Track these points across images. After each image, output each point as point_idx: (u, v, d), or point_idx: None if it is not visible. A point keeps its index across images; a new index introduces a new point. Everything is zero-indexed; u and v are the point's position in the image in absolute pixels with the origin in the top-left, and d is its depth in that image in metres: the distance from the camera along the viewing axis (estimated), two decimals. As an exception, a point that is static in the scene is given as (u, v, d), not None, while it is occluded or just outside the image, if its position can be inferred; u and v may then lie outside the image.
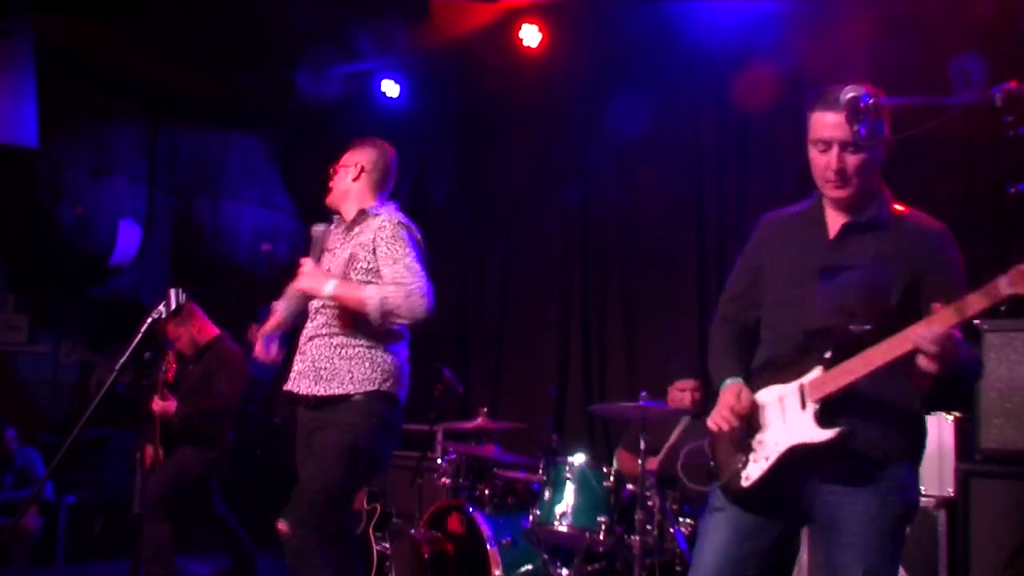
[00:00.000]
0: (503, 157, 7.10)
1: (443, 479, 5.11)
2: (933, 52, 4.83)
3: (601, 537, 4.26)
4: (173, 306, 3.26)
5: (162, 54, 6.51)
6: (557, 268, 6.63)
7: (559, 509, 4.35)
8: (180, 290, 3.33)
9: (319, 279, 3.48)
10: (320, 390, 3.48)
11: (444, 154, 7.50)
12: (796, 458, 2.53)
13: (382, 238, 3.51)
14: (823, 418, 2.49)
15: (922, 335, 2.25)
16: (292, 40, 6.37)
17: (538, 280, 6.74)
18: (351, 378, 3.46)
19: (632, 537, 4.23)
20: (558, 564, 4.46)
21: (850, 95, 2.22)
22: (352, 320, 3.50)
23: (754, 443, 2.63)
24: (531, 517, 4.42)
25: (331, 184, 3.79)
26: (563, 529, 4.33)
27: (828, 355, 2.49)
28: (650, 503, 4.36)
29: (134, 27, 6.17)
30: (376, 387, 3.46)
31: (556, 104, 6.69)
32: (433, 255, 3.65)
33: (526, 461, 4.97)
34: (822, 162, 2.52)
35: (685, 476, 4.62)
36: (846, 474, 2.49)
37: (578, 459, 4.52)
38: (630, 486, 4.50)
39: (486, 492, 4.94)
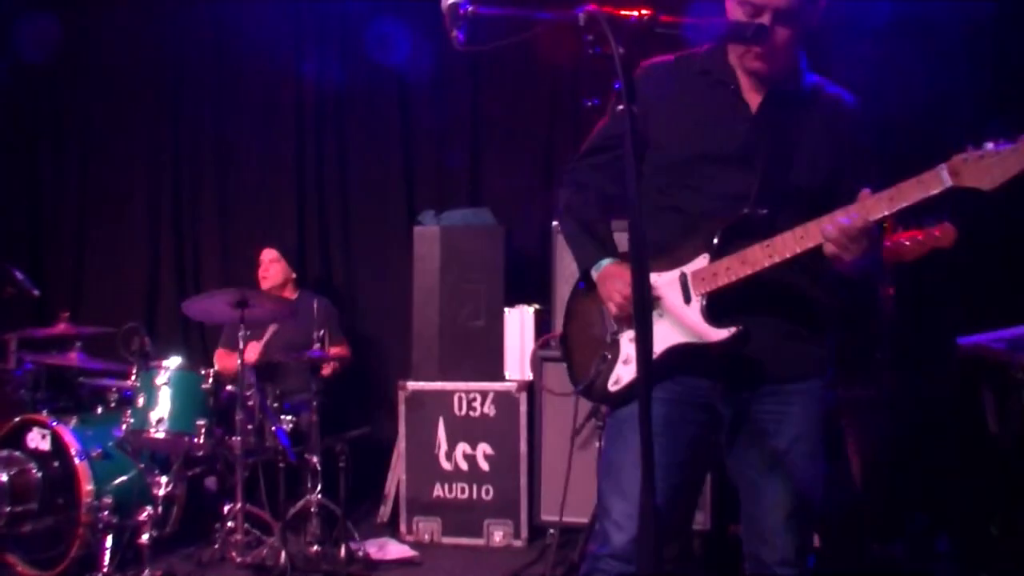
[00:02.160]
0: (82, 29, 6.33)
1: (20, 392, 4.69)
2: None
3: (200, 441, 4.22)
4: None
5: None
6: (144, 159, 6.15)
7: (154, 415, 4.23)
8: None
9: None
10: None
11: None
12: (677, 360, 2.21)
13: None
14: (712, 315, 2.18)
15: (840, 224, 2.01)
16: None
17: (122, 172, 6.20)
18: None
19: (233, 438, 4.25)
20: (156, 472, 4.31)
21: (450, 0, 2.13)
22: None
23: (624, 339, 2.29)
24: (124, 426, 4.23)
25: None
26: (160, 436, 4.22)
27: (716, 240, 2.18)
28: (250, 403, 4.36)
29: None
30: None
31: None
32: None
33: (115, 367, 4.70)
34: None
35: None
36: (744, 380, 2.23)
37: (173, 362, 4.39)
38: (229, 387, 4.48)
39: (71, 403, 4.68)
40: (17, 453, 4.25)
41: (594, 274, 2.35)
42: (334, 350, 5.10)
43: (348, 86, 5.84)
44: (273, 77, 5.92)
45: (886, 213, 2.01)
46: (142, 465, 4.30)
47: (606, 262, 2.33)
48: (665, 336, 2.21)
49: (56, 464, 4.20)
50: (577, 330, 2.45)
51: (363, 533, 4.55)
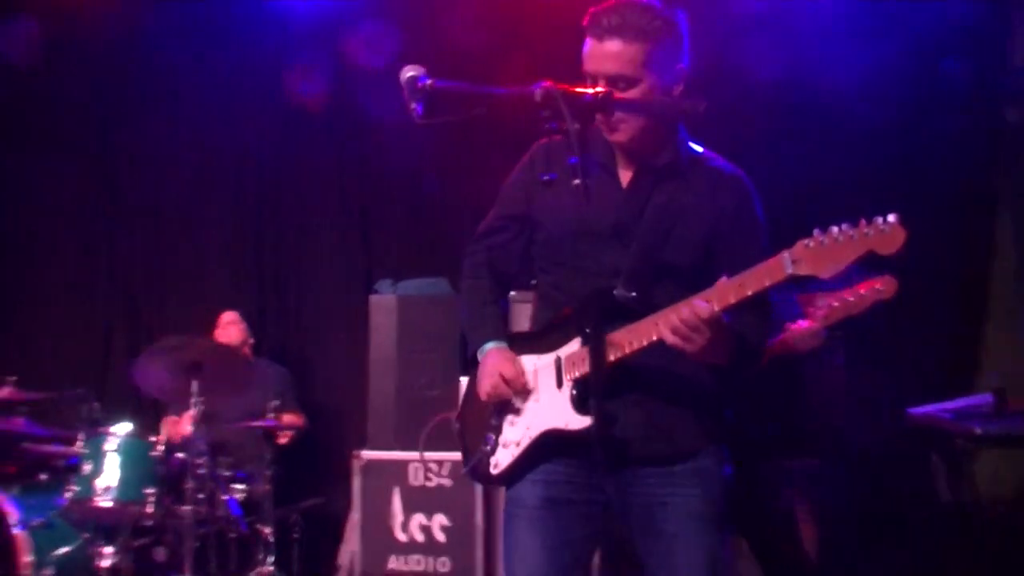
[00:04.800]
0: None
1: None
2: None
3: (149, 510, 4.15)
4: None
5: None
6: (102, 219, 6.09)
7: (101, 483, 4.15)
8: None
9: None
10: None
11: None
12: (552, 446, 2.19)
13: None
14: (581, 401, 2.12)
15: (681, 318, 1.96)
16: None
17: (78, 231, 6.13)
18: None
19: (182, 507, 4.17)
20: (101, 543, 4.23)
21: (410, 74, 2.03)
22: None
23: (505, 423, 2.27)
24: (68, 494, 4.15)
25: None
26: (106, 504, 4.14)
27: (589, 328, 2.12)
28: (201, 471, 4.30)
29: None
30: None
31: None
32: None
33: (61, 434, 4.62)
34: None
35: None
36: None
37: (122, 429, 4.34)
38: (180, 455, 4.41)
39: (13, 470, 4.56)
40: (-44, 523, 4.14)
41: (479, 357, 2.34)
42: (289, 418, 5.05)
43: (309, 154, 5.87)
44: (234, 141, 5.93)
45: (733, 302, 1.94)
46: (86, 535, 4.21)
47: (489, 346, 2.32)
48: (542, 420, 2.19)
49: (-5, 534, 4.09)
50: (472, 412, 2.41)
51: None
